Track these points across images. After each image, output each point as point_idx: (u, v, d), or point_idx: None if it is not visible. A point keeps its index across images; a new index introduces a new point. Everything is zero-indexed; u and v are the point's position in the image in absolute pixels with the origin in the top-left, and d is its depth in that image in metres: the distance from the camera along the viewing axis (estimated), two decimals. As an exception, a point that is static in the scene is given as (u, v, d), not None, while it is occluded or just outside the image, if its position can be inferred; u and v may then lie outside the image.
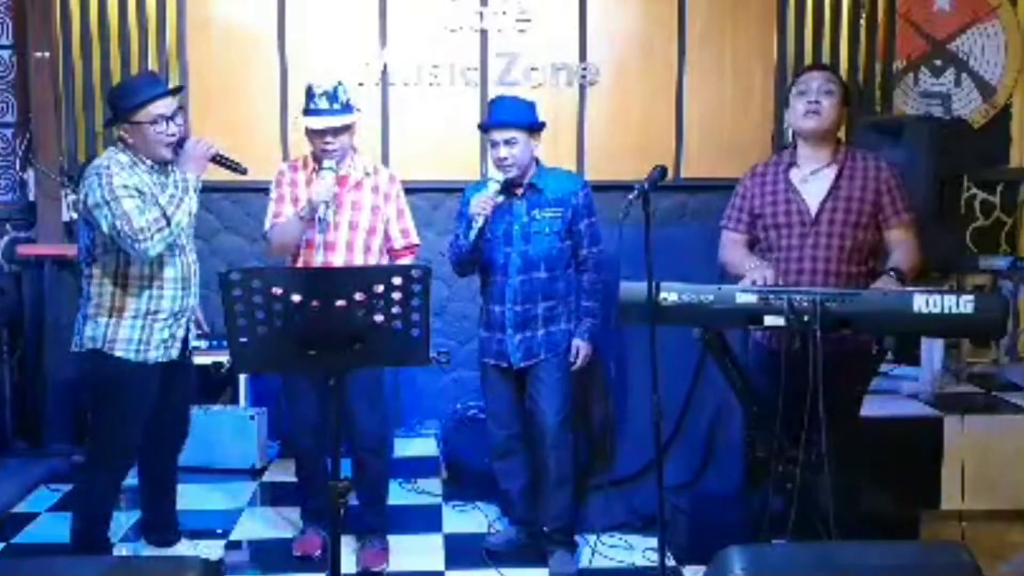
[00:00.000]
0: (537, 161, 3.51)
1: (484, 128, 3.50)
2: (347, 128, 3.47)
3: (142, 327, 3.22)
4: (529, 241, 3.44)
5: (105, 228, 3.09)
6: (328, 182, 3.40)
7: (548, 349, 3.48)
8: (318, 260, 3.48)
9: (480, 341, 3.62)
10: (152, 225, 3.07)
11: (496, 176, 3.39)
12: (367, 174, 3.58)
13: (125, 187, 3.09)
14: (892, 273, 2.90)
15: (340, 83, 3.50)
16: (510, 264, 3.45)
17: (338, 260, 3.48)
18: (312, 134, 3.47)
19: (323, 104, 3.43)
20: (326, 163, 3.45)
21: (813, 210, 3.07)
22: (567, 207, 3.45)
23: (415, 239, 3.68)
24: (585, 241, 3.49)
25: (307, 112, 3.46)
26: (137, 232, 3.05)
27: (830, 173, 3.10)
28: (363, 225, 3.53)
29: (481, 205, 3.34)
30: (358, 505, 3.61)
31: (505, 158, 3.38)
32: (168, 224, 3.10)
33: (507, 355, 3.49)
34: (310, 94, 3.46)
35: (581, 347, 3.49)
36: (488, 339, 3.55)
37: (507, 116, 3.42)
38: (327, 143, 3.44)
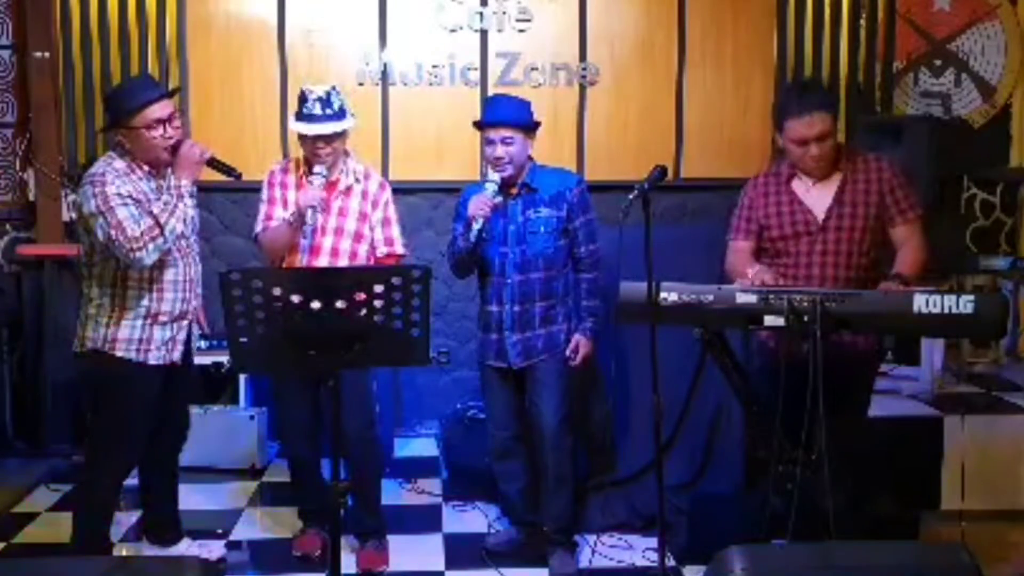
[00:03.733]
0: (531, 160, 3.50)
1: (480, 126, 3.48)
2: (339, 135, 3.43)
3: (142, 328, 3.22)
4: (525, 241, 3.43)
5: (101, 237, 3.09)
6: (316, 188, 3.38)
7: (546, 349, 3.47)
8: (302, 264, 3.46)
9: (479, 342, 3.61)
10: (146, 234, 3.06)
11: (493, 177, 3.38)
12: (357, 180, 3.55)
13: (119, 195, 3.09)
14: (896, 279, 2.90)
15: (334, 88, 3.45)
16: (507, 264, 3.44)
17: (322, 265, 3.45)
18: (303, 140, 3.44)
19: (316, 110, 3.38)
20: (316, 168, 3.42)
21: (820, 218, 3.07)
22: (562, 205, 3.43)
23: (400, 249, 3.62)
24: (581, 239, 3.46)
25: (299, 117, 3.42)
26: (131, 242, 3.05)
27: (834, 181, 3.09)
28: (349, 231, 3.50)
29: (479, 207, 3.33)
30: (354, 507, 3.61)
31: (502, 157, 3.38)
32: (162, 232, 3.10)
33: (506, 356, 3.48)
34: (303, 98, 3.41)
35: (582, 343, 3.47)
36: (487, 340, 3.54)
37: (503, 115, 3.40)
38: (318, 149, 3.41)
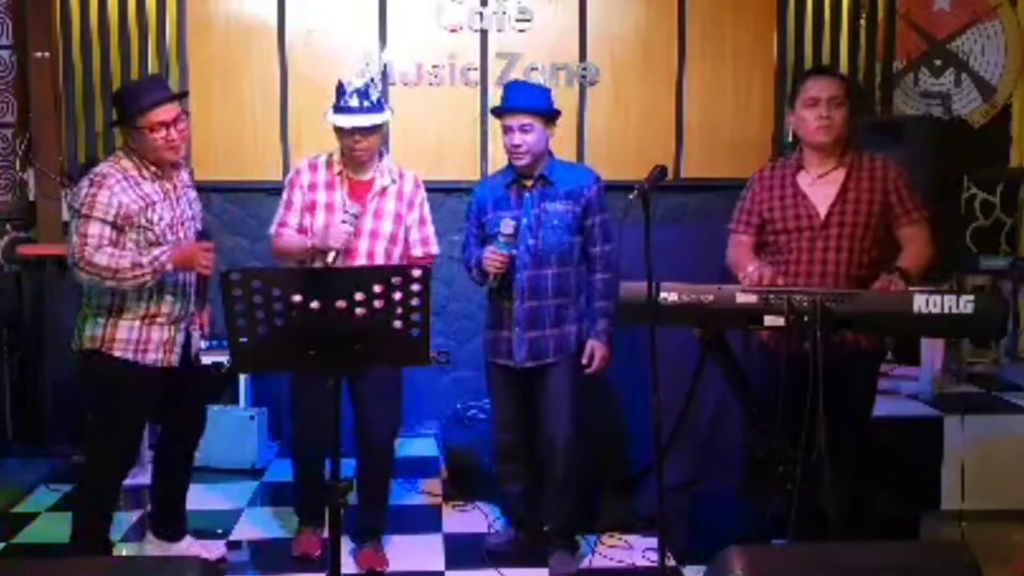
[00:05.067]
0: (550, 153, 3.44)
1: (498, 113, 3.41)
2: (376, 129, 3.38)
3: (140, 328, 3.22)
4: (539, 235, 3.36)
5: (72, 233, 3.12)
6: (346, 230, 3.33)
7: (557, 351, 3.41)
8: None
9: (486, 341, 3.54)
10: (97, 263, 3.06)
11: (506, 231, 3.30)
12: (392, 180, 3.50)
13: (108, 206, 3.09)
14: (896, 272, 2.90)
15: (372, 80, 3.47)
16: (519, 258, 3.37)
17: None
18: (340, 133, 3.38)
19: (354, 102, 3.33)
20: (350, 209, 3.36)
21: (822, 214, 3.07)
22: (579, 201, 3.37)
23: (434, 249, 3.60)
24: (597, 239, 3.41)
25: (337, 109, 3.37)
26: (79, 256, 3.07)
27: (838, 176, 3.09)
28: (385, 233, 3.45)
29: (493, 262, 3.30)
30: (358, 506, 3.61)
31: (519, 145, 3.31)
32: (110, 276, 3.08)
33: (513, 354, 3.42)
34: (341, 91, 3.36)
35: (598, 349, 3.39)
36: (496, 337, 3.47)
37: (523, 101, 3.33)
38: (356, 143, 3.36)
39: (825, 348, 2.65)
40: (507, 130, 3.34)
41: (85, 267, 3.08)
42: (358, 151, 3.38)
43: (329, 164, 3.50)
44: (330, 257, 3.32)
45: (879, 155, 3.18)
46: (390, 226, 3.47)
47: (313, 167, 3.52)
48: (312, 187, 3.48)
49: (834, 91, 3.05)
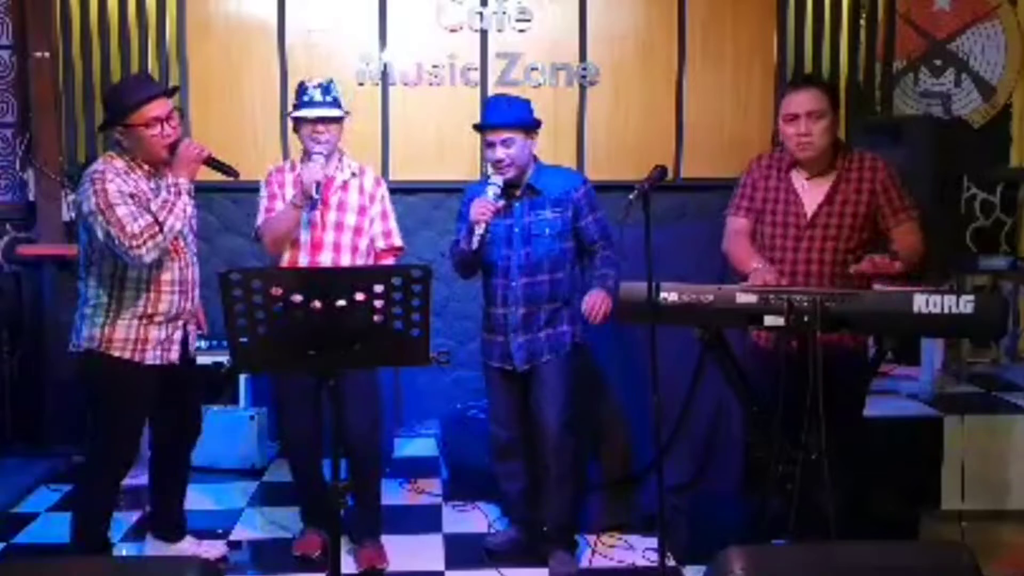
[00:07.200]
0: (536, 160, 3.48)
1: (479, 129, 3.47)
2: (337, 122, 3.51)
3: (138, 328, 3.22)
4: (530, 243, 3.40)
5: (100, 235, 3.09)
6: (317, 165, 3.42)
7: (551, 350, 3.44)
8: (304, 260, 3.48)
9: (482, 343, 3.58)
10: (144, 231, 3.06)
11: (496, 180, 3.36)
12: (353, 175, 3.59)
13: (119, 193, 3.08)
14: (891, 256, 2.90)
15: (331, 80, 3.56)
16: (511, 267, 3.42)
17: (326, 260, 3.48)
18: (304, 124, 3.48)
19: (317, 96, 3.48)
20: (316, 150, 3.46)
21: (809, 214, 3.08)
22: (567, 206, 3.41)
23: (398, 242, 3.65)
24: (595, 233, 3.44)
25: (300, 105, 3.50)
26: (131, 239, 3.04)
27: (828, 178, 3.10)
28: (349, 225, 3.53)
29: (481, 211, 3.31)
30: (352, 507, 3.61)
31: (502, 159, 3.35)
32: (161, 230, 3.09)
33: (511, 359, 3.45)
34: (303, 89, 3.51)
35: (599, 299, 3.29)
36: (491, 342, 3.51)
37: (502, 117, 3.38)
38: (319, 132, 3.46)
39: (813, 346, 2.64)
40: (489, 145, 3.40)
41: (139, 244, 3.05)
42: (319, 141, 3.46)
43: (293, 167, 3.62)
44: (313, 191, 3.39)
45: (870, 154, 3.17)
46: (354, 218, 3.55)
47: (280, 170, 3.66)
48: (280, 185, 3.59)
49: (812, 105, 3.02)
